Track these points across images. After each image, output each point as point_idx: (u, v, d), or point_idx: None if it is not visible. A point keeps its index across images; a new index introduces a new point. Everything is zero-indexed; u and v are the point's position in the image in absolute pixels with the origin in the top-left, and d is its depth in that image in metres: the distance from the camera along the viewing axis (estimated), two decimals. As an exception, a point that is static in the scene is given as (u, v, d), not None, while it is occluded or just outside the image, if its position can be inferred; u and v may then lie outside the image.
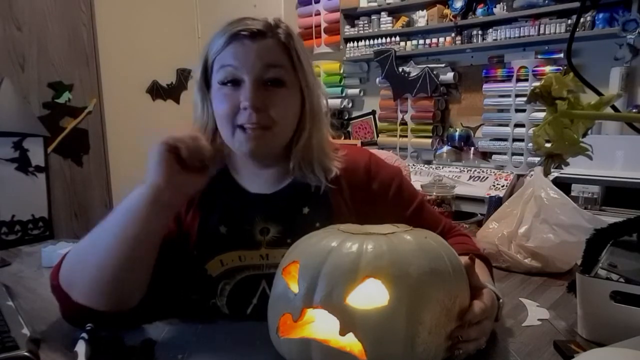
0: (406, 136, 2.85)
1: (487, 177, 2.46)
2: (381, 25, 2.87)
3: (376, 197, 0.90)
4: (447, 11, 2.61)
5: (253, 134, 0.79)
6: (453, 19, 2.58)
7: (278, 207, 0.87)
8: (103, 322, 0.73)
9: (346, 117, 3.21)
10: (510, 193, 2.26)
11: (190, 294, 0.85)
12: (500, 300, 0.74)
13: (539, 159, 2.22)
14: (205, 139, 0.85)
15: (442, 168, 2.64)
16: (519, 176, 2.39)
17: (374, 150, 1.40)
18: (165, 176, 0.71)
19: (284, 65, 0.82)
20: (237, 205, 0.88)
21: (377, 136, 3.04)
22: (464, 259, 0.66)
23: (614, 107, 0.68)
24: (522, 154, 2.44)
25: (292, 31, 0.86)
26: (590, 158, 0.59)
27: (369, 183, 0.91)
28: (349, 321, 0.56)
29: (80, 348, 0.66)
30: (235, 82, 0.80)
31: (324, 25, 3.05)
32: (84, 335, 0.69)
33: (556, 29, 2.27)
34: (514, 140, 2.45)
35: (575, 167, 1.88)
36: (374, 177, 0.91)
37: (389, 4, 2.82)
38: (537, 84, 0.67)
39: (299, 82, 0.84)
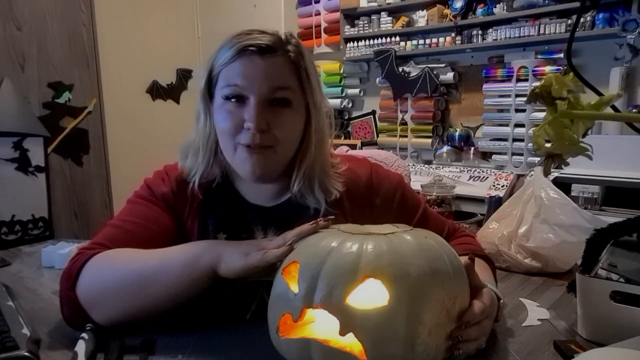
0: (406, 136, 2.85)
1: (487, 177, 2.46)
2: (381, 25, 2.87)
3: (380, 211, 0.88)
4: (447, 11, 2.61)
5: (255, 153, 0.78)
6: (453, 19, 2.58)
7: (277, 220, 0.86)
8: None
9: (346, 117, 3.21)
10: (510, 193, 2.27)
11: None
12: (501, 301, 0.74)
13: (539, 159, 2.22)
14: (208, 151, 0.84)
15: (442, 168, 2.64)
16: (519, 176, 2.39)
17: (374, 152, 1.40)
18: (247, 274, 0.70)
19: (292, 87, 0.79)
20: (235, 214, 0.87)
21: (377, 136, 3.04)
22: (464, 259, 0.66)
23: (614, 107, 0.68)
24: (522, 154, 2.44)
25: (303, 48, 0.82)
26: (590, 158, 0.59)
27: (371, 199, 0.89)
28: (349, 321, 0.56)
29: (80, 348, 0.66)
30: (240, 99, 0.77)
31: (324, 25, 3.06)
32: (84, 335, 0.69)
33: (556, 29, 2.28)
34: (514, 140, 2.45)
35: (575, 167, 1.88)
36: (376, 191, 0.89)
37: (389, 4, 2.82)
38: (537, 84, 0.67)
39: (306, 102, 0.82)
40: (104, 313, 0.74)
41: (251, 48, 0.77)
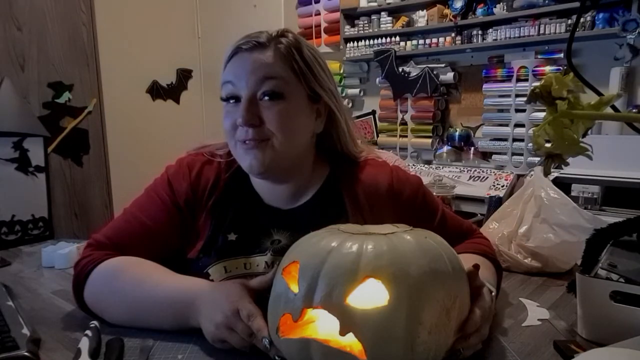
0: (406, 136, 2.85)
1: (487, 177, 2.46)
2: (381, 25, 2.87)
3: (402, 214, 0.88)
4: (447, 11, 2.62)
5: (251, 148, 0.79)
6: (453, 19, 2.58)
7: (294, 223, 0.86)
8: None
9: (346, 117, 3.21)
10: (510, 193, 2.27)
11: None
12: (493, 294, 0.74)
13: (539, 159, 2.22)
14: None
15: (442, 168, 2.64)
16: (519, 176, 2.39)
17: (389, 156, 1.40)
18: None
19: (282, 77, 0.79)
20: (250, 214, 0.87)
21: (377, 136, 3.04)
22: (469, 267, 0.66)
23: (614, 107, 0.68)
24: (522, 154, 2.44)
25: (299, 41, 0.83)
26: (590, 158, 0.58)
27: (394, 202, 0.89)
28: (349, 321, 0.56)
29: (84, 345, 0.67)
30: (237, 99, 0.80)
31: (324, 25, 3.06)
32: (88, 332, 0.70)
33: (556, 29, 2.28)
34: (514, 140, 2.45)
35: (575, 167, 1.88)
36: (398, 195, 0.89)
37: (389, 4, 2.82)
38: (537, 84, 0.67)
39: (309, 91, 0.82)
40: (112, 320, 0.78)
41: (244, 47, 0.79)
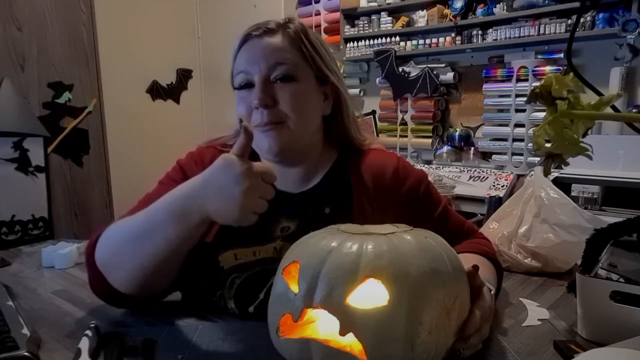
0: (406, 136, 2.86)
1: (487, 177, 2.46)
2: (381, 25, 2.87)
3: (404, 201, 0.90)
4: (447, 11, 2.62)
5: (268, 130, 0.81)
6: (453, 19, 2.58)
7: (301, 206, 0.88)
8: (129, 303, 0.80)
9: (346, 117, 3.21)
10: (510, 193, 2.27)
11: (198, 284, 0.86)
12: (492, 292, 0.74)
13: (539, 159, 2.22)
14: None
15: (442, 168, 2.64)
16: (519, 176, 2.39)
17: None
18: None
19: (293, 60, 0.82)
20: None
21: (377, 136, 3.04)
22: (468, 267, 0.66)
23: (614, 107, 0.68)
24: (522, 154, 2.44)
25: (305, 28, 0.87)
26: (590, 158, 0.58)
27: (397, 188, 0.90)
28: (349, 321, 0.56)
29: (84, 345, 0.67)
30: (250, 85, 0.82)
31: (324, 25, 3.06)
32: (88, 332, 0.70)
33: (556, 29, 2.28)
34: (514, 140, 2.46)
35: (575, 167, 1.88)
36: (403, 182, 0.91)
37: (389, 4, 2.82)
38: (537, 84, 0.66)
39: (317, 72, 0.85)
40: (116, 275, 0.76)
41: (254, 33, 0.83)
